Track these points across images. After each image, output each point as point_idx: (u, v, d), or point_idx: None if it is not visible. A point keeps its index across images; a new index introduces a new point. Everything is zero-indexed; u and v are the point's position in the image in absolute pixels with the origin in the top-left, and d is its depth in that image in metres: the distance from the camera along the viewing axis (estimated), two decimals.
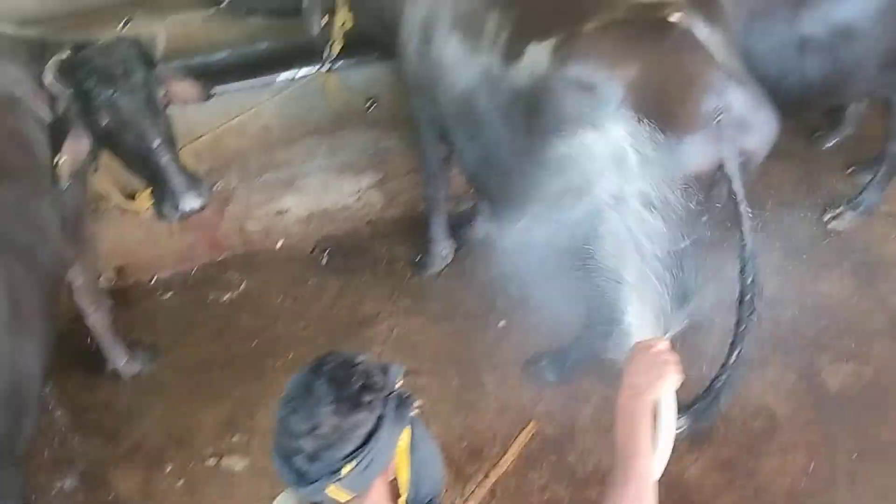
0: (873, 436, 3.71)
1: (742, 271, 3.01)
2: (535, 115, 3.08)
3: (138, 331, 4.25)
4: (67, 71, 3.10)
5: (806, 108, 4.65)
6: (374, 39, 4.39)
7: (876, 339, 4.06)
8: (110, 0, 4.59)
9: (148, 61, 3.24)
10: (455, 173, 4.33)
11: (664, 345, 1.95)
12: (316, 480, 1.57)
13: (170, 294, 4.55)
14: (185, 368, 4.13)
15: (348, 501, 1.62)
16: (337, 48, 4.37)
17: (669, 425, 1.89)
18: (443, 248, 4.59)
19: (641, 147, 2.78)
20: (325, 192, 4.99)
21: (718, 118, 2.80)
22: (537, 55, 3.07)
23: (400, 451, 1.66)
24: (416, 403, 1.71)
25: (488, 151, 3.49)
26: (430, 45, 3.72)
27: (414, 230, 4.75)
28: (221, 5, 4.74)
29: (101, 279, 4.20)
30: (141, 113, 3.18)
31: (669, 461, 1.89)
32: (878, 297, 4.26)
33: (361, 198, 5.04)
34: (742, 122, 2.86)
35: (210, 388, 4.02)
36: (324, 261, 4.75)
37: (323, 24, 4.29)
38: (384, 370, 1.68)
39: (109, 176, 3.79)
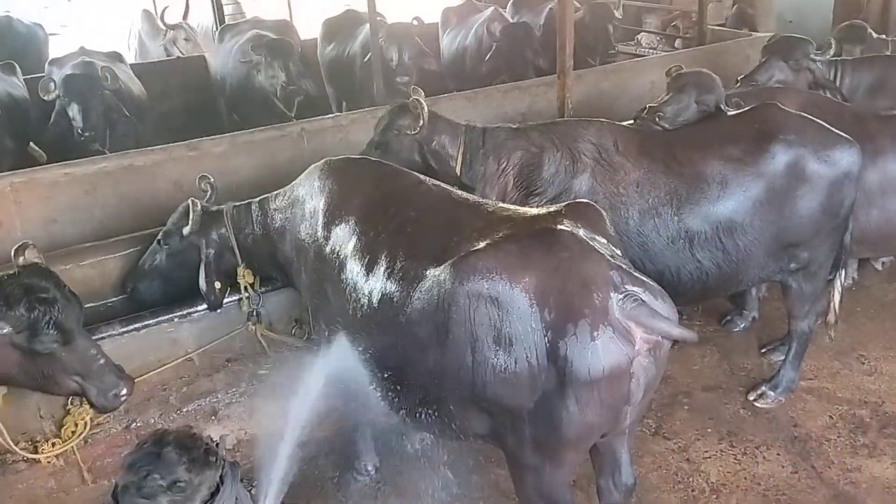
0: None
1: None
2: (443, 331, 3.12)
3: None
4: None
5: (707, 296, 4.91)
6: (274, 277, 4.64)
7: None
8: None
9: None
10: None
11: None
12: None
13: None
14: None
15: None
16: (246, 303, 4.63)
17: None
18: (366, 465, 4.40)
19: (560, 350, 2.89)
20: (251, 419, 4.82)
21: (622, 310, 2.91)
22: (439, 276, 3.16)
23: None
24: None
25: (400, 371, 3.46)
26: (324, 277, 3.87)
27: (341, 449, 4.57)
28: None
29: None
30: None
31: None
32: (815, 473, 4.27)
33: None
34: (645, 308, 2.96)
35: None
36: (252, 492, 4.47)
37: (219, 293, 4.57)
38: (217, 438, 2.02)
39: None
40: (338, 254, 3.80)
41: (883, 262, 5.91)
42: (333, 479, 4.48)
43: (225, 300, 4.65)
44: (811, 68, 5.72)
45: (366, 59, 7.69)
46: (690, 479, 4.30)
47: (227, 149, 5.99)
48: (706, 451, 4.49)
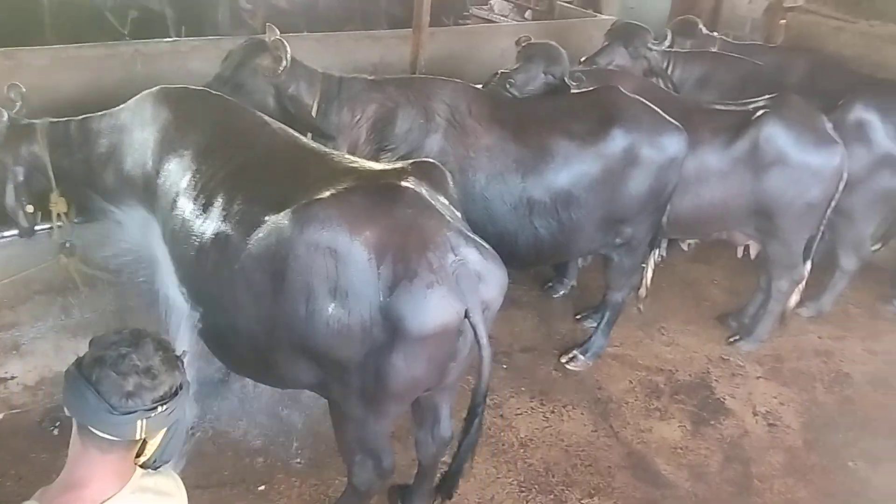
0: None
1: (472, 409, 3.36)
2: (279, 279, 3.06)
3: None
4: None
5: (539, 262, 5.17)
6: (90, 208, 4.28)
7: (615, 472, 4.39)
8: None
9: None
10: None
11: None
12: (130, 412, 1.90)
13: None
14: None
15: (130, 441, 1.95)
16: (59, 232, 4.27)
17: None
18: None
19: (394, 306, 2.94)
20: (57, 356, 4.53)
21: (456, 271, 2.99)
22: (278, 223, 3.09)
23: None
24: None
25: (229, 316, 3.36)
26: (154, 212, 3.68)
27: None
28: None
29: None
30: None
31: None
32: (612, 432, 4.66)
33: None
34: (477, 274, 3.06)
35: None
36: (55, 432, 4.22)
37: (30, 217, 4.21)
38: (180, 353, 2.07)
39: None
40: (169, 191, 3.59)
41: (689, 244, 6.44)
42: None
43: (38, 227, 4.27)
44: (647, 56, 6.05)
45: None
46: (502, 434, 4.55)
47: (48, 63, 5.45)
48: (518, 409, 4.76)
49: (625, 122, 4.51)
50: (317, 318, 2.99)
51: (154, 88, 3.95)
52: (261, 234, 3.14)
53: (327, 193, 3.08)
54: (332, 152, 3.68)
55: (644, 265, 5.12)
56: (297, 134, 3.83)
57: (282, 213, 3.10)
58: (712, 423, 4.82)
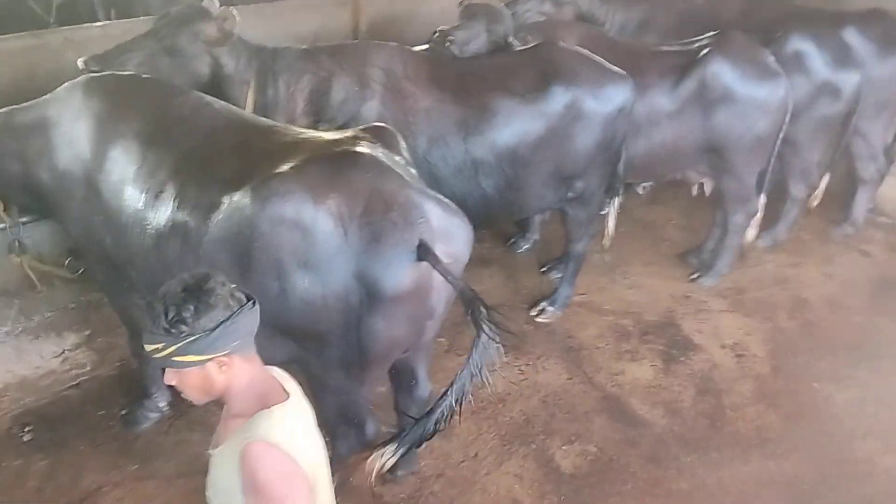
0: None
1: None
2: (246, 260, 3.01)
3: None
4: None
5: (493, 221, 5.17)
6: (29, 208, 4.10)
7: (593, 417, 4.48)
8: None
9: None
10: None
11: None
12: (182, 332, 2.00)
13: None
14: None
15: (191, 363, 2.03)
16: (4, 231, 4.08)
17: None
18: (158, 400, 4.25)
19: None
20: (21, 360, 4.43)
21: (422, 230, 2.98)
22: (238, 202, 3.02)
23: None
24: None
25: None
26: (102, 207, 3.52)
27: (134, 386, 4.35)
28: None
29: None
30: None
31: None
32: (586, 378, 4.74)
33: (67, 359, 4.55)
34: (442, 230, 3.06)
35: None
36: (25, 437, 4.14)
37: None
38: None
39: None
40: (114, 184, 3.45)
41: (644, 187, 6.53)
42: (122, 417, 4.27)
43: None
44: (575, 2, 6.03)
45: None
46: (479, 391, 4.58)
47: None
48: (493, 365, 4.80)
49: (565, 78, 4.49)
50: (290, 295, 2.96)
51: (79, 78, 3.76)
52: (221, 217, 3.07)
53: (285, 167, 3.03)
54: (280, 125, 3.61)
55: (604, 212, 5.17)
56: (240, 110, 3.73)
57: (240, 192, 3.03)
58: (682, 359, 4.94)
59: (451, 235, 3.11)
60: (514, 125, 4.46)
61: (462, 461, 4.14)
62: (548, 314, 5.24)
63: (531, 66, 4.57)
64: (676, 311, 5.41)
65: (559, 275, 5.44)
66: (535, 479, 4.07)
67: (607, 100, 4.57)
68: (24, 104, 3.83)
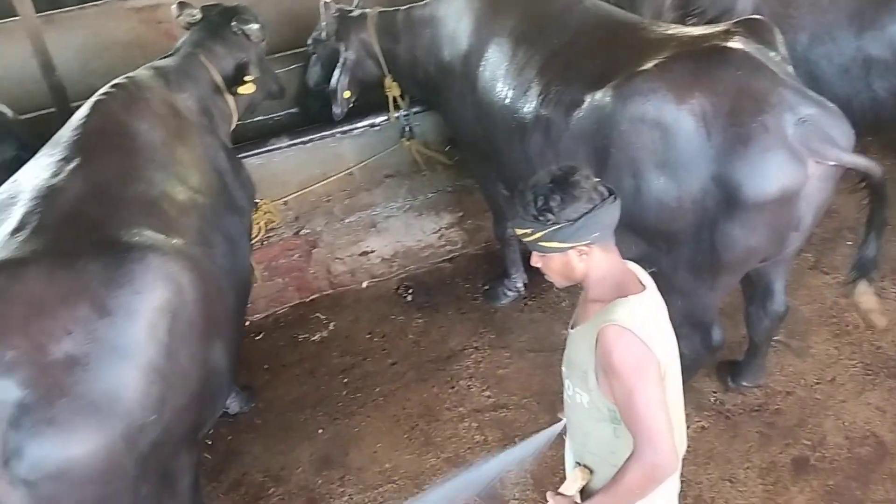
0: None
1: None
2: (604, 156, 3.07)
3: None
4: None
5: (882, 129, 4.53)
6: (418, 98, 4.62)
7: None
8: None
9: None
10: None
11: None
12: (549, 220, 2.07)
13: (262, 335, 4.70)
14: (279, 407, 4.23)
15: (555, 249, 2.12)
16: (395, 115, 4.61)
17: None
18: (516, 281, 4.63)
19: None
20: (407, 232, 5.11)
21: (795, 133, 2.78)
22: (600, 100, 3.07)
23: None
24: None
25: None
26: (475, 100, 3.83)
27: (496, 266, 4.80)
28: None
29: None
30: None
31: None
32: None
33: (442, 236, 5.14)
34: (821, 135, 2.82)
35: (304, 425, 4.10)
36: (408, 298, 4.84)
37: (344, 101, 4.41)
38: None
39: None
40: (487, 80, 3.75)
41: None
42: (485, 291, 4.74)
43: (378, 119, 4.72)
44: None
45: None
46: (845, 315, 4.21)
47: None
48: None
49: None
50: (644, 194, 2.99)
51: None
52: (581, 114, 3.17)
53: (649, 65, 3.00)
54: (649, 22, 3.55)
55: None
56: (612, 8, 3.73)
57: (602, 90, 3.09)
58: None
59: (832, 137, 2.85)
60: None
61: (816, 383, 3.90)
62: None
63: None
64: None
65: None
66: None
67: None
68: (421, 2, 4.29)
